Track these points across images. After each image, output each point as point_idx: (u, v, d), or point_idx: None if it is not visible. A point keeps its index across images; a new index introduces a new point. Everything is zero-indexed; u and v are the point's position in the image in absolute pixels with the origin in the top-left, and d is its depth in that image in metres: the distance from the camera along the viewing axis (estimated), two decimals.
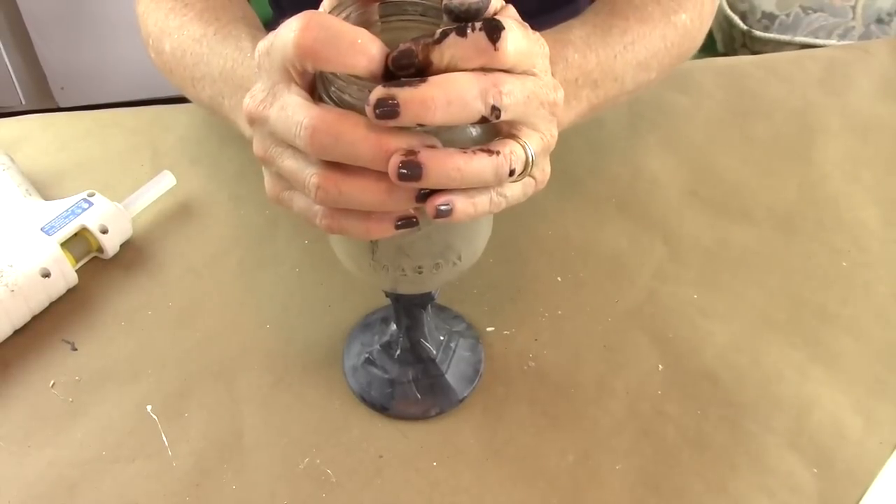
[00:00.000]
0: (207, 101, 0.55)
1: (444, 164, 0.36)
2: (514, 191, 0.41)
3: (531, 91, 0.37)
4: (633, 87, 0.57)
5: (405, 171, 0.35)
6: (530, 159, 0.39)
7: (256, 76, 0.40)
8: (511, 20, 0.36)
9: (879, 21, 1.39)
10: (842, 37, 1.39)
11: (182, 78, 0.57)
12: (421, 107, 0.34)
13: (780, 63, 0.81)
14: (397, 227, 0.38)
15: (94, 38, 1.76)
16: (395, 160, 0.35)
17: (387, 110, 0.34)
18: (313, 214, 0.39)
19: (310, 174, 0.37)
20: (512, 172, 0.38)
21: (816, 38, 1.40)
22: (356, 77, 0.36)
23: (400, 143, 0.35)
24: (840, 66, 0.80)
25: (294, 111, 0.37)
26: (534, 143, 0.39)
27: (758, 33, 1.42)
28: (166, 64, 0.59)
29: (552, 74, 0.43)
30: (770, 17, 1.41)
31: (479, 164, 0.37)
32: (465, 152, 0.36)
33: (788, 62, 0.81)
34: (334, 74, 0.37)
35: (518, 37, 0.36)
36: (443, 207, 0.37)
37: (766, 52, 1.14)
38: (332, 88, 0.38)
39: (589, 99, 0.53)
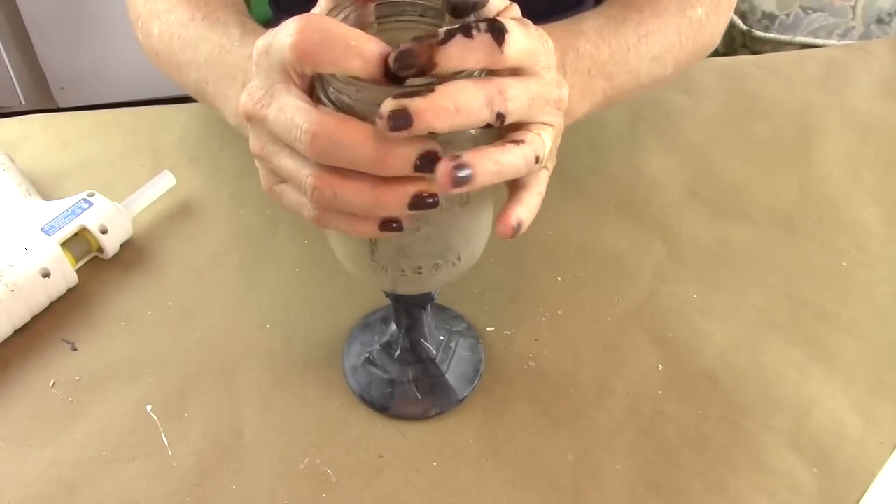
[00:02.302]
0: (192, 86, 0.55)
1: (487, 163, 0.36)
2: (543, 183, 0.42)
3: (535, 93, 0.38)
4: (649, 80, 0.57)
5: (461, 175, 0.35)
6: (547, 147, 0.40)
7: (254, 73, 0.39)
8: (512, 21, 0.36)
9: (879, 21, 1.38)
10: (842, 37, 1.39)
11: (168, 63, 0.57)
12: (432, 115, 0.34)
13: (780, 63, 0.81)
14: (381, 229, 0.39)
15: (94, 38, 1.76)
16: (447, 168, 0.35)
17: (400, 122, 0.34)
18: (302, 207, 0.40)
19: (306, 175, 0.38)
20: (538, 159, 0.39)
21: (816, 38, 1.40)
22: (354, 78, 0.36)
23: (399, 148, 0.35)
24: (840, 66, 0.80)
25: (294, 114, 0.37)
26: (546, 135, 0.40)
27: (758, 33, 1.42)
28: (153, 48, 0.59)
29: (564, 65, 0.43)
30: (770, 17, 1.41)
31: (512, 156, 0.37)
32: (497, 146, 0.37)
33: (788, 62, 0.81)
34: (333, 75, 0.37)
35: (520, 36, 0.36)
36: (515, 224, 0.40)
37: (766, 52, 1.14)
38: (331, 89, 0.38)
39: (604, 90, 0.53)
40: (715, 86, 0.78)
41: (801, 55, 0.82)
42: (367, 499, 0.50)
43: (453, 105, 0.35)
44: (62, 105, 1.86)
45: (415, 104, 0.34)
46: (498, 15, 0.40)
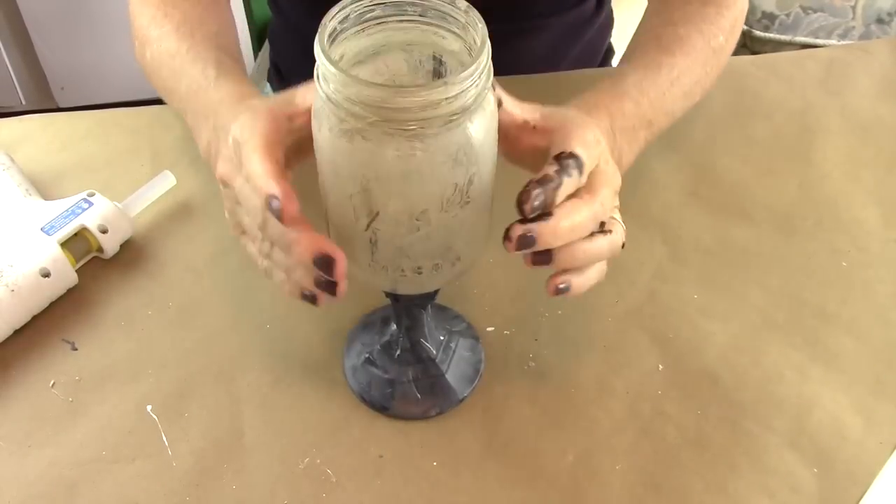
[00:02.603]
0: (176, 109, 0.60)
1: (571, 251, 0.44)
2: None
3: (613, 188, 0.46)
4: (682, 113, 0.61)
5: (540, 258, 0.44)
6: (625, 229, 0.47)
7: (227, 147, 0.46)
8: (580, 148, 0.44)
9: (879, 21, 1.38)
10: (842, 37, 1.39)
11: (157, 85, 0.62)
12: (551, 237, 0.42)
13: (780, 63, 0.81)
14: (303, 298, 0.46)
15: (94, 38, 1.76)
16: (528, 258, 0.44)
17: (525, 243, 0.42)
18: (255, 257, 0.48)
19: (258, 234, 0.46)
20: (623, 245, 0.47)
21: (816, 38, 1.40)
22: (356, 79, 0.36)
23: (302, 245, 0.42)
24: (840, 66, 0.80)
25: (252, 196, 0.44)
26: (618, 216, 0.47)
27: (758, 33, 1.42)
28: (146, 68, 0.63)
29: (613, 130, 0.51)
30: (770, 17, 1.41)
31: (598, 245, 0.45)
32: (587, 238, 0.45)
33: (788, 62, 0.81)
34: (334, 74, 0.37)
35: (587, 158, 0.44)
36: (562, 286, 0.46)
37: (766, 52, 1.14)
38: (332, 86, 0.38)
39: (646, 138, 0.57)
40: (715, 86, 0.78)
41: (801, 55, 0.82)
42: (367, 499, 0.50)
43: (570, 225, 0.43)
44: (62, 105, 1.86)
45: (539, 228, 0.42)
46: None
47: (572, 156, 0.43)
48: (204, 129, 0.54)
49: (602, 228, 0.45)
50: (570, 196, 0.44)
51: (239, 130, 0.44)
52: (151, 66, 0.61)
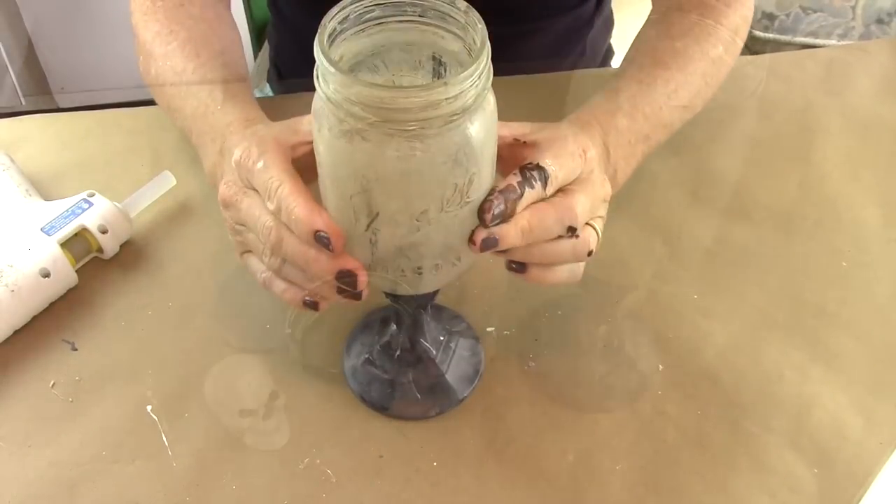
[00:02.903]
0: (180, 127, 0.61)
1: (529, 250, 0.46)
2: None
3: (593, 197, 0.47)
4: (681, 125, 0.61)
5: (514, 268, 0.48)
6: (599, 238, 0.48)
7: (231, 171, 0.47)
8: (550, 161, 0.45)
9: (879, 21, 1.39)
10: (842, 37, 1.39)
11: (161, 101, 0.63)
12: (515, 238, 0.44)
13: (780, 63, 0.81)
14: (304, 304, 0.48)
15: (94, 38, 1.76)
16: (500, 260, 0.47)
17: (490, 244, 0.44)
18: (257, 271, 0.49)
19: (264, 251, 0.47)
20: (590, 253, 0.47)
21: (816, 38, 1.40)
22: (354, 78, 0.36)
23: (323, 263, 0.44)
24: (840, 66, 0.80)
25: (262, 217, 0.45)
26: (599, 226, 0.48)
27: (758, 33, 1.42)
28: (150, 83, 0.64)
29: (607, 145, 0.51)
30: (770, 17, 1.41)
31: (561, 247, 0.46)
32: (551, 240, 0.46)
33: (788, 62, 0.81)
34: (332, 74, 0.37)
35: (558, 171, 0.45)
36: (514, 265, 0.48)
37: (766, 52, 1.14)
38: (332, 87, 0.38)
39: (643, 151, 0.57)
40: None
41: (801, 55, 0.82)
42: (367, 499, 0.50)
43: (529, 226, 0.44)
44: (62, 105, 1.86)
45: (501, 231, 0.44)
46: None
47: (538, 167, 0.45)
48: (210, 151, 0.54)
49: (571, 233, 0.46)
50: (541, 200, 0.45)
51: (248, 154, 0.46)
52: (156, 81, 0.62)
